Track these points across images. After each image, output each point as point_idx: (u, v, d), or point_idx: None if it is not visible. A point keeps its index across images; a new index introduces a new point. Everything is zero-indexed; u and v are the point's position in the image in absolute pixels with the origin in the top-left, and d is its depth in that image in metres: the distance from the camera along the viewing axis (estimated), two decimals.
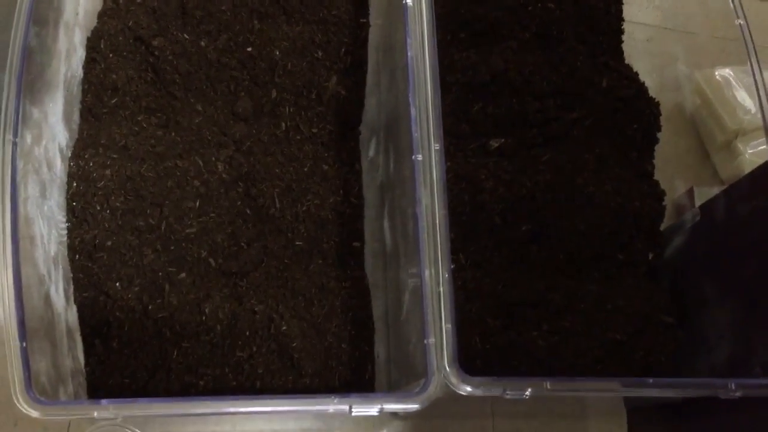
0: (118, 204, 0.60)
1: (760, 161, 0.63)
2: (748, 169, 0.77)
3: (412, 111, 0.56)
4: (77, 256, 0.59)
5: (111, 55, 0.64)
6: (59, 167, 0.60)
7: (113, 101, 0.63)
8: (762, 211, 0.58)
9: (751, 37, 0.67)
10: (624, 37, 0.78)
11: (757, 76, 0.66)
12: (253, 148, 0.64)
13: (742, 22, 0.64)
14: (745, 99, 0.81)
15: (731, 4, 0.67)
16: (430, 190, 0.54)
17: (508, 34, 0.72)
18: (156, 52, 0.64)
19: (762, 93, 0.66)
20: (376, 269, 0.68)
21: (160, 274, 0.60)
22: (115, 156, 0.61)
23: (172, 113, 0.64)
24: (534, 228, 0.66)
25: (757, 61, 0.67)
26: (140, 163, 0.61)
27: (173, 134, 0.63)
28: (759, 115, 0.65)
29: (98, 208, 0.60)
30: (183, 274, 0.60)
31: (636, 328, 0.64)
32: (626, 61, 0.76)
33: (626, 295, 0.66)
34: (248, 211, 0.63)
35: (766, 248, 0.58)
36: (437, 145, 0.56)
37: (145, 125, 0.63)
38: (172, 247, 0.60)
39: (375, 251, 0.68)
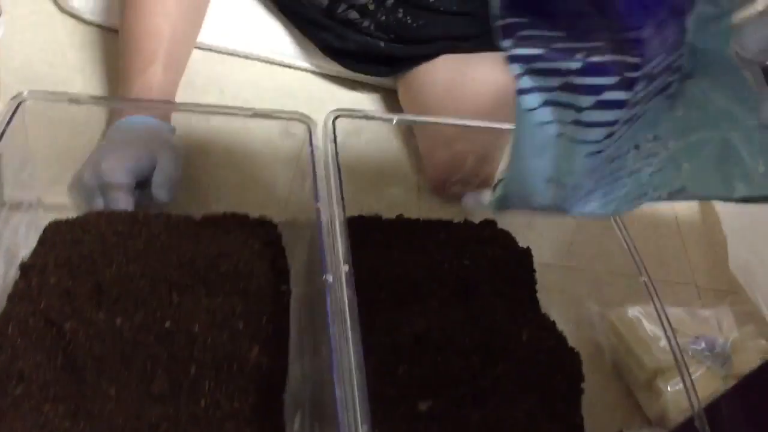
0: None
1: (683, 400, 0.64)
2: (671, 408, 0.78)
3: (337, 392, 0.55)
4: None
5: (19, 340, 0.61)
6: None
7: (18, 391, 0.59)
8: None
9: (653, 286, 0.71)
10: (539, 286, 0.81)
11: (665, 323, 0.69)
12: (169, 431, 0.60)
13: (645, 280, 0.68)
14: (660, 337, 0.84)
15: (633, 260, 0.71)
16: None
17: (428, 292, 0.74)
18: (68, 336, 0.61)
19: (671, 336, 0.69)
20: None
21: None
22: None
23: (82, 400, 0.60)
24: None
25: (662, 307, 0.70)
26: None
27: (82, 424, 0.58)
28: None
29: None
30: None
31: None
32: (543, 310, 0.79)
33: None
34: None
35: None
36: (366, 426, 0.54)
37: (51, 416, 0.58)
38: None
39: None
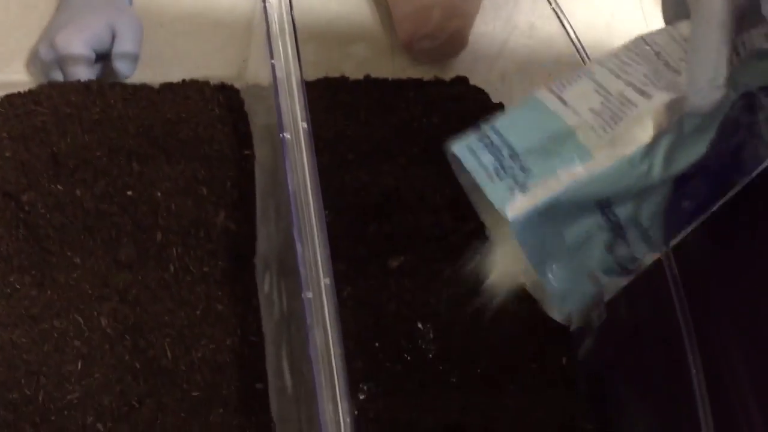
0: None
1: None
2: None
3: (299, 248, 0.54)
4: None
5: None
6: None
7: None
8: (660, 311, 0.58)
9: None
10: None
11: None
12: (139, 297, 0.61)
13: None
14: None
15: None
16: (323, 327, 0.52)
17: (396, 151, 0.73)
18: (27, 207, 0.61)
19: None
20: (285, 406, 0.64)
21: None
22: None
23: (48, 270, 0.60)
24: (443, 346, 0.65)
25: None
26: (12, 329, 0.57)
27: (49, 293, 0.59)
28: None
29: None
30: None
31: None
32: None
33: (544, 405, 0.64)
34: (137, 366, 0.59)
35: (670, 348, 0.57)
36: (327, 279, 0.54)
37: (17, 286, 0.59)
38: (53, 418, 0.55)
39: (280, 388, 0.64)
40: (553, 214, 0.45)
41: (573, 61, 0.71)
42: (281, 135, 0.59)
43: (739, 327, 0.56)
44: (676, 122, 0.45)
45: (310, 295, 0.53)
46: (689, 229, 0.51)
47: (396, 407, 0.61)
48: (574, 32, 0.71)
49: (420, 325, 0.65)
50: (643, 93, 0.46)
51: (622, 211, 0.47)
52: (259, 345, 0.63)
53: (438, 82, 0.81)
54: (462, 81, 0.81)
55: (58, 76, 0.73)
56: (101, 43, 0.73)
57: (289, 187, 0.57)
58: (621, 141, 0.45)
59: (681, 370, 0.57)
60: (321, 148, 0.70)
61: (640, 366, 0.62)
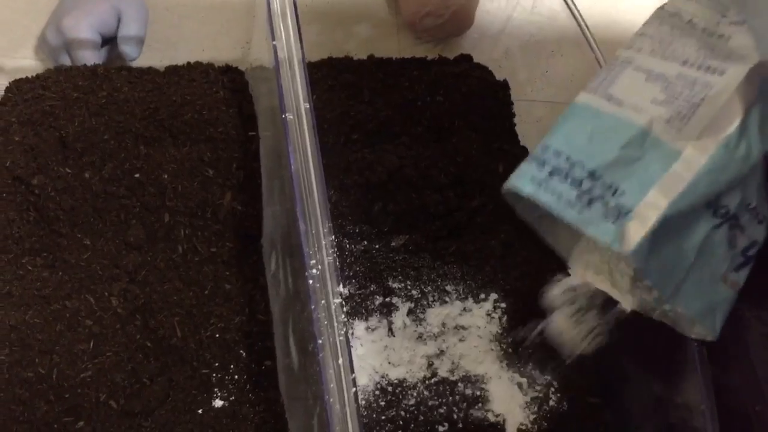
0: (2, 357, 0.56)
1: None
2: None
3: (302, 227, 0.55)
4: None
5: None
6: None
7: None
8: None
9: None
10: (517, 119, 0.80)
11: None
12: (148, 277, 0.62)
13: None
14: None
15: None
16: (327, 305, 0.53)
17: (400, 130, 0.73)
18: (37, 191, 0.62)
19: None
20: (292, 384, 0.65)
21: (56, 426, 0.56)
22: None
23: (59, 251, 0.61)
24: None
25: None
26: (25, 309, 0.58)
27: (60, 274, 0.60)
28: None
29: None
30: (81, 423, 0.56)
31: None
32: (522, 143, 0.78)
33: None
34: (148, 344, 0.60)
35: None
36: (330, 258, 0.55)
37: (30, 267, 0.60)
38: (67, 395, 0.57)
39: (288, 367, 0.65)
40: (667, 231, 0.40)
41: (577, 37, 0.71)
42: (283, 116, 0.59)
43: (740, 300, 0.56)
44: (760, 90, 0.40)
45: (315, 271, 0.54)
46: None
47: None
48: (577, 8, 0.71)
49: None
50: (709, 69, 0.41)
51: (732, 201, 0.42)
52: (267, 323, 0.64)
53: (442, 61, 0.81)
54: (466, 59, 0.81)
55: (66, 60, 0.73)
56: (107, 26, 0.74)
57: (292, 168, 0.57)
58: (710, 128, 0.40)
59: (683, 342, 0.57)
60: (325, 128, 0.71)
61: (644, 339, 0.63)
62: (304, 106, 0.60)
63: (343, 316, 0.52)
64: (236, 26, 0.83)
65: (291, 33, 0.62)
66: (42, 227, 0.61)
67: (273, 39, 0.62)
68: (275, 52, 0.62)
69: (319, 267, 0.53)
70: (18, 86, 0.68)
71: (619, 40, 0.84)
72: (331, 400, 0.49)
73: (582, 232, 0.41)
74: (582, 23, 0.70)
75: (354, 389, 0.50)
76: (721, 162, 0.40)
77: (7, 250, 0.60)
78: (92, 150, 0.64)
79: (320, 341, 0.51)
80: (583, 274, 0.52)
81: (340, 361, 0.51)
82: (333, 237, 0.55)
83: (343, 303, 0.53)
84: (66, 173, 0.63)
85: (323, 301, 0.52)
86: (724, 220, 0.43)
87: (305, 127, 0.59)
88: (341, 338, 0.51)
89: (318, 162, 0.58)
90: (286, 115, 0.59)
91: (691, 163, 0.40)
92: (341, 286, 0.53)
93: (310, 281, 0.53)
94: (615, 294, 0.52)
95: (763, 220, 0.45)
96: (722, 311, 0.47)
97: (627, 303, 0.51)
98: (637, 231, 0.39)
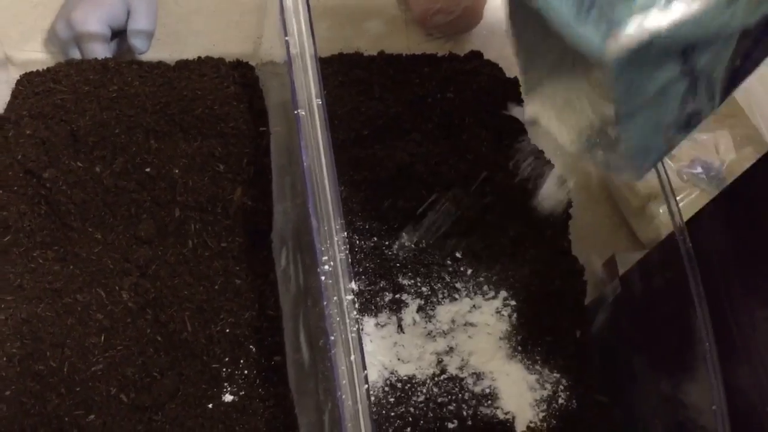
0: (14, 350, 0.56)
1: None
2: (665, 230, 0.78)
3: (314, 223, 0.55)
4: None
5: (0, 191, 0.61)
6: None
7: (6, 239, 0.60)
8: (675, 284, 0.59)
9: None
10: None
11: None
12: (159, 272, 0.62)
13: None
14: None
15: None
16: (339, 301, 0.53)
17: (410, 127, 0.73)
18: (48, 184, 0.62)
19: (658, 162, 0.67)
20: (302, 379, 0.65)
21: (67, 419, 0.56)
22: (9, 298, 0.58)
23: (70, 245, 0.61)
24: None
25: None
26: (37, 302, 0.58)
27: (72, 267, 0.60)
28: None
29: None
30: (92, 416, 0.56)
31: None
32: (531, 141, 0.78)
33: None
34: (159, 339, 0.60)
35: (684, 322, 0.58)
36: (342, 254, 0.55)
37: (41, 261, 0.60)
38: (78, 389, 0.57)
39: (297, 362, 0.65)
40: (643, 58, 0.42)
41: None
42: (296, 112, 0.59)
43: (751, 300, 0.56)
44: None
45: (327, 267, 0.54)
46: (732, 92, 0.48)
47: None
48: None
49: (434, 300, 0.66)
50: None
51: (702, 60, 0.44)
52: (277, 319, 0.64)
53: (452, 57, 0.80)
54: (476, 56, 0.81)
55: (76, 54, 0.73)
56: (117, 19, 0.74)
57: (304, 164, 0.57)
58: None
59: (693, 342, 0.57)
60: (336, 124, 0.71)
61: (654, 339, 0.63)
62: (317, 102, 0.60)
63: (355, 312, 0.52)
64: (246, 21, 0.82)
65: (303, 29, 0.62)
66: (53, 221, 0.61)
67: (286, 35, 0.62)
68: (288, 47, 0.62)
69: (331, 263, 0.53)
70: (29, 79, 0.68)
71: None
72: (343, 396, 0.49)
73: (569, 37, 0.42)
74: None
75: (366, 386, 0.50)
76: (712, 12, 0.42)
77: (18, 243, 0.60)
78: (103, 144, 0.64)
79: (332, 338, 0.51)
80: (536, 110, 0.54)
81: (352, 357, 0.51)
82: (345, 233, 0.55)
83: (355, 299, 0.53)
84: (77, 167, 0.63)
85: (335, 298, 0.52)
86: (688, 76, 0.45)
87: (317, 123, 0.59)
88: (353, 335, 0.51)
89: (330, 158, 0.58)
90: (299, 111, 0.59)
91: (690, 2, 0.41)
92: (353, 282, 0.54)
93: (323, 278, 0.53)
94: (555, 128, 0.53)
95: (713, 97, 0.47)
96: (651, 160, 0.50)
97: (564, 139, 0.52)
98: (624, 43, 0.41)
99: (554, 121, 0.53)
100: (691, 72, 0.44)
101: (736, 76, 0.47)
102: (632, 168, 0.50)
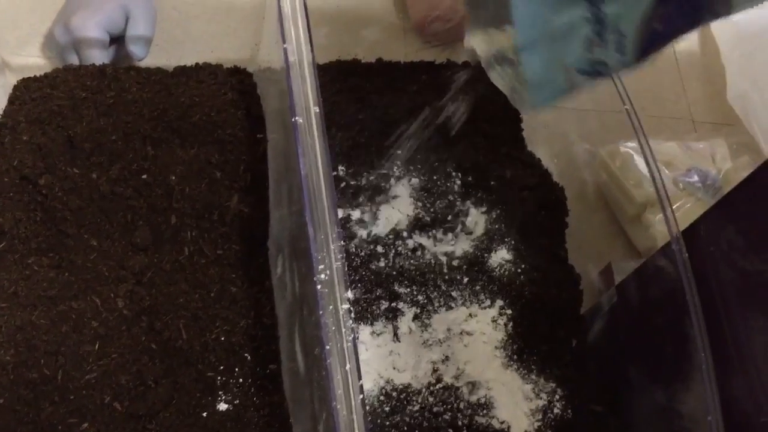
0: (8, 358, 0.56)
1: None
2: (660, 239, 0.78)
3: (310, 231, 0.55)
4: None
5: None
6: None
7: (1, 245, 0.60)
8: (671, 293, 0.59)
9: (638, 118, 0.68)
10: (524, 125, 0.80)
11: (648, 156, 0.67)
12: (154, 279, 0.62)
13: (628, 107, 0.66)
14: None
15: (617, 89, 0.69)
16: (335, 310, 0.53)
17: (408, 135, 0.73)
18: (44, 191, 0.62)
19: (655, 171, 0.67)
20: (297, 388, 0.65)
21: (60, 427, 0.55)
22: (3, 305, 0.58)
23: (65, 252, 0.61)
24: None
25: (646, 140, 0.68)
26: (31, 309, 0.58)
27: (67, 274, 0.60)
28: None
29: None
30: (86, 425, 0.56)
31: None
32: (528, 148, 0.78)
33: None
34: (154, 347, 0.60)
35: (679, 331, 0.58)
36: (338, 262, 0.54)
37: (36, 268, 0.60)
38: (72, 397, 0.56)
39: (293, 370, 0.65)
40: None
41: None
42: (293, 119, 0.59)
43: (747, 310, 0.56)
44: None
45: (323, 276, 0.54)
46: (652, 55, 0.50)
47: None
48: None
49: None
50: None
51: (610, 8, 0.46)
52: (272, 327, 0.64)
53: (450, 65, 0.80)
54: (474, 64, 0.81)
55: (74, 59, 0.73)
56: (115, 25, 0.74)
57: (302, 171, 0.57)
58: None
59: (689, 352, 0.57)
60: (333, 132, 0.71)
61: (650, 348, 0.63)
62: (314, 109, 0.59)
63: (350, 321, 0.52)
64: (244, 27, 0.82)
65: (302, 36, 0.62)
66: (49, 227, 0.61)
67: (284, 42, 0.62)
68: (286, 55, 0.62)
69: (328, 272, 0.53)
70: (26, 85, 0.68)
71: None
72: (338, 406, 0.49)
73: None
74: None
75: (361, 396, 0.50)
76: None
77: (13, 249, 0.60)
78: (100, 150, 0.64)
79: (328, 347, 0.51)
80: (474, 40, 0.57)
81: (348, 367, 0.51)
82: (342, 242, 0.55)
83: (351, 309, 0.53)
84: (74, 173, 0.62)
85: (331, 307, 0.52)
86: (594, 22, 0.47)
87: (315, 130, 0.59)
88: (349, 344, 0.51)
89: (327, 166, 0.58)
90: (296, 118, 0.59)
91: None
92: (349, 291, 0.53)
93: (318, 286, 0.52)
94: (479, 49, 0.56)
95: (623, 52, 0.49)
96: (550, 96, 0.53)
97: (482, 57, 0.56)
98: None
99: (481, 45, 0.56)
100: (598, 18, 0.47)
101: (655, 38, 0.48)
102: (531, 99, 0.53)
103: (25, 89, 0.68)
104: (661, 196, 0.65)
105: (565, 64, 0.50)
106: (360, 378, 0.51)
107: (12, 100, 0.67)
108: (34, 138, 0.63)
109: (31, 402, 0.56)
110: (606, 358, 0.68)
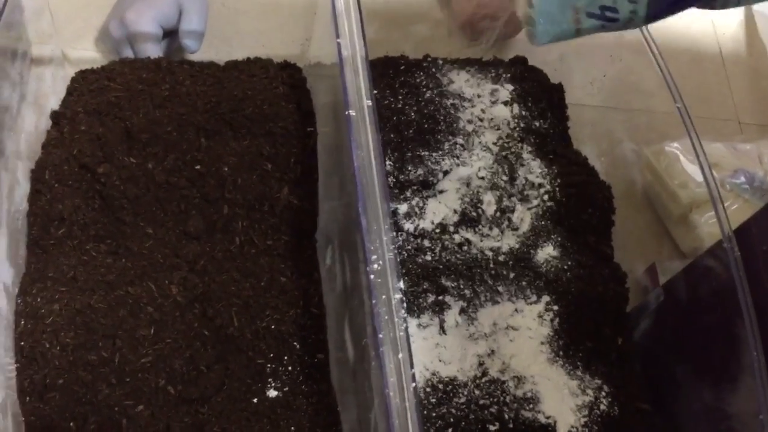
0: (68, 340, 0.58)
1: (717, 232, 0.63)
2: (707, 240, 0.78)
3: (363, 222, 0.55)
4: (27, 398, 0.56)
5: (56, 185, 0.63)
6: (5, 306, 0.58)
7: (60, 232, 0.62)
8: (723, 293, 0.58)
9: (690, 118, 0.68)
10: (570, 123, 0.80)
11: (701, 155, 0.67)
12: (207, 267, 0.63)
13: (679, 106, 0.66)
14: (696, 172, 0.82)
15: (668, 88, 0.68)
16: (388, 299, 0.53)
17: (455, 131, 0.73)
18: (102, 179, 0.63)
19: (707, 170, 0.67)
20: (345, 377, 0.66)
21: (116, 409, 0.57)
22: (63, 289, 0.60)
23: (122, 239, 0.63)
24: None
25: (698, 140, 0.68)
26: (90, 294, 0.59)
27: (124, 261, 0.62)
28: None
29: (47, 345, 0.57)
30: (141, 407, 0.58)
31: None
32: (574, 146, 0.78)
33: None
34: (206, 333, 0.61)
35: (730, 330, 0.57)
36: (391, 254, 0.55)
37: (94, 254, 0.62)
38: (128, 379, 0.58)
39: (340, 360, 0.66)
40: None
41: (637, 44, 0.70)
42: (347, 112, 0.60)
43: None
44: None
45: (376, 267, 0.54)
46: (664, 15, 0.52)
47: None
48: None
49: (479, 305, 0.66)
50: None
51: None
52: (321, 317, 0.65)
53: (497, 62, 0.81)
54: (521, 61, 0.81)
55: (128, 53, 0.75)
56: (169, 20, 0.75)
57: (355, 164, 0.58)
58: None
59: (740, 351, 0.57)
60: (382, 125, 0.72)
61: (698, 348, 0.62)
62: (367, 103, 0.60)
63: (402, 311, 0.53)
64: (293, 23, 0.84)
65: (355, 31, 0.63)
66: (107, 215, 0.63)
67: (338, 37, 0.63)
68: (339, 50, 0.62)
69: (380, 263, 0.54)
70: (84, 76, 0.70)
71: (680, 48, 0.84)
72: (392, 393, 0.50)
73: None
74: (644, 30, 0.69)
75: (414, 384, 0.51)
76: None
77: (72, 236, 0.62)
78: (156, 141, 0.65)
79: (381, 335, 0.52)
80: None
81: (400, 355, 0.51)
82: (394, 233, 0.56)
83: (403, 298, 0.54)
84: (131, 163, 0.64)
85: (384, 296, 0.53)
86: None
87: (368, 123, 0.60)
88: (401, 333, 0.52)
89: (380, 158, 0.58)
90: (350, 111, 0.60)
91: None
92: (400, 281, 0.54)
93: (372, 276, 0.53)
94: None
95: (634, 4, 0.51)
96: (554, 32, 0.54)
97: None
98: None
99: None
100: None
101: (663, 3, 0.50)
102: (538, 32, 0.55)
103: (83, 81, 0.69)
104: (714, 196, 0.64)
105: (572, 4, 0.52)
106: (412, 366, 0.51)
107: (70, 91, 0.69)
108: (93, 128, 0.65)
109: (89, 383, 0.57)
110: (652, 356, 0.68)
